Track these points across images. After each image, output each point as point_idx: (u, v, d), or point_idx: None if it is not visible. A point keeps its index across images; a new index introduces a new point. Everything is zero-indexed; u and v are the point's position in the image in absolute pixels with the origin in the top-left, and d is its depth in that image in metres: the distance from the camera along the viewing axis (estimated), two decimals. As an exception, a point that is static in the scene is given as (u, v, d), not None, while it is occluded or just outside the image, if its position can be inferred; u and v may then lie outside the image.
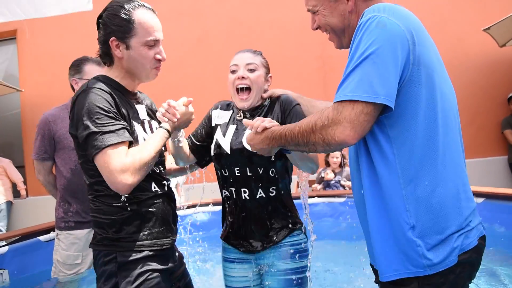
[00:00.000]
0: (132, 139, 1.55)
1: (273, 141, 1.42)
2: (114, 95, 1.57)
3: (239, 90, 1.86)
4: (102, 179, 1.51)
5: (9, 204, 6.80)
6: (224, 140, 1.86)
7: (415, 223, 1.23)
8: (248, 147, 1.67)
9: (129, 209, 1.60)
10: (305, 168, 1.74)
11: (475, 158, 6.44)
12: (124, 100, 1.65)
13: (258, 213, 1.81)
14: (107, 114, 1.50)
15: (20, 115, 7.64)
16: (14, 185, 6.91)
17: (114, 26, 1.60)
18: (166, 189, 1.75)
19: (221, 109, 2.03)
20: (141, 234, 1.61)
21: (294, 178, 6.47)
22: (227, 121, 1.93)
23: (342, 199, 4.56)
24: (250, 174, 1.80)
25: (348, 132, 1.15)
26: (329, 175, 5.85)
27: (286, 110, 1.87)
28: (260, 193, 1.80)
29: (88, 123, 1.47)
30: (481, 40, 6.34)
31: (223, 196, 1.94)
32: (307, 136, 1.25)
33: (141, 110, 1.75)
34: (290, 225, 1.84)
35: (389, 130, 1.24)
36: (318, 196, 4.76)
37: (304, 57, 6.92)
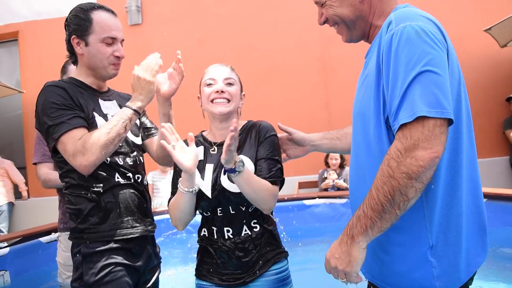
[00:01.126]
0: (86, 124, 1.64)
1: (355, 236, 1.16)
2: (68, 89, 1.67)
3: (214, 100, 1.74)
4: (67, 169, 1.66)
5: (10, 205, 6.80)
6: (203, 183, 1.71)
7: (435, 243, 1.17)
8: (230, 188, 1.63)
9: (91, 198, 1.67)
10: (262, 203, 1.63)
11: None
12: (85, 94, 1.75)
13: (243, 250, 1.70)
14: (59, 107, 1.61)
15: (21, 117, 7.66)
16: (15, 187, 6.91)
17: (74, 25, 1.75)
18: (132, 180, 1.79)
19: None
20: (105, 225, 1.67)
21: (296, 179, 6.44)
22: (203, 159, 1.78)
23: (343, 200, 4.55)
24: (234, 212, 1.70)
25: (431, 150, 1.04)
26: (332, 175, 5.85)
27: (260, 138, 1.75)
28: (245, 230, 1.71)
29: (44, 118, 1.62)
30: (482, 41, 6.34)
31: (201, 235, 1.81)
32: (389, 188, 1.07)
33: (107, 105, 1.83)
34: (276, 255, 1.76)
35: None
36: (319, 197, 4.76)
37: (305, 58, 6.92)
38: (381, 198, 1.08)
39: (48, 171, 2.80)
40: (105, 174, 1.69)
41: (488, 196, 3.68)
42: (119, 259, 1.66)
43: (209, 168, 1.73)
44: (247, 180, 1.55)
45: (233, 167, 1.50)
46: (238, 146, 1.64)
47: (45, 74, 7.39)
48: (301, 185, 6.53)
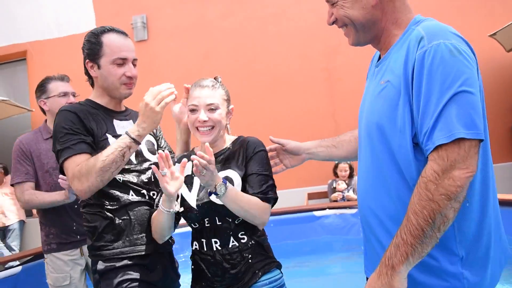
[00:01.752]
0: (89, 150, 1.70)
1: (396, 266, 1.12)
2: (79, 113, 1.74)
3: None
4: None
5: (21, 223, 6.84)
6: (190, 195, 1.74)
7: (465, 254, 1.17)
8: (216, 200, 1.62)
9: (105, 216, 1.72)
10: (253, 220, 1.66)
11: (486, 165, 6.37)
12: (100, 116, 1.82)
13: (231, 262, 1.71)
14: (67, 131, 1.69)
15: (31, 135, 7.72)
16: (26, 205, 6.95)
17: (87, 50, 1.86)
18: (146, 197, 1.83)
19: (178, 162, 1.83)
20: (119, 242, 1.71)
21: (305, 190, 6.42)
22: (191, 173, 1.78)
23: (353, 210, 4.52)
24: (220, 223, 1.71)
25: (466, 170, 1.05)
26: (340, 185, 5.82)
27: (249, 154, 1.74)
28: (233, 242, 1.72)
29: (55, 143, 1.72)
30: (487, 46, 6.32)
31: (193, 249, 1.82)
32: (429, 212, 1.06)
33: (122, 125, 1.87)
34: (266, 265, 1.75)
35: None
36: (329, 208, 4.73)
37: (310, 69, 6.94)
38: (421, 223, 1.06)
39: (33, 191, 2.67)
40: (118, 192, 1.74)
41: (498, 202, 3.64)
42: (134, 275, 1.69)
43: (197, 181, 1.75)
44: (233, 200, 1.58)
45: (214, 190, 1.54)
46: (227, 162, 1.73)
47: (54, 92, 7.49)
48: (311, 196, 6.49)
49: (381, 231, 1.30)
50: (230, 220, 1.70)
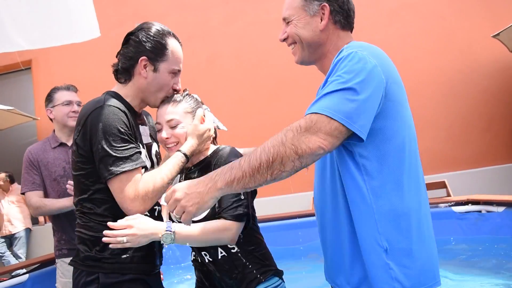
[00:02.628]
0: (146, 164, 1.58)
1: (218, 182, 1.20)
2: (128, 114, 1.58)
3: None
4: (95, 198, 1.56)
5: (28, 231, 6.87)
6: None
7: (388, 245, 1.25)
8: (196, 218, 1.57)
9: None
10: (218, 243, 1.63)
11: (493, 166, 6.35)
12: (134, 121, 1.66)
13: (224, 271, 1.70)
14: (122, 136, 1.51)
15: (36, 143, 7.77)
16: (32, 213, 6.99)
17: (151, 47, 1.63)
18: (156, 214, 1.73)
19: None
20: (125, 256, 1.59)
21: (310, 194, 6.41)
22: (179, 181, 1.80)
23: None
24: None
25: (323, 141, 1.16)
26: None
27: (220, 166, 1.66)
28: (221, 253, 1.68)
29: (104, 144, 1.48)
30: (491, 46, 6.30)
31: (192, 259, 1.84)
32: (274, 152, 1.15)
33: (145, 132, 1.77)
34: (261, 274, 1.70)
35: (360, 159, 1.28)
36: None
37: (313, 73, 6.88)
38: (263, 158, 1.15)
39: (41, 198, 2.74)
40: None
41: (507, 204, 3.61)
42: None
43: None
44: (186, 240, 1.54)
45: (162, 242, 1.51)
46: (203, 173, 1.57)
47: (59, 100, 7.53)
48: (316, 200, 6.45)
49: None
50: None
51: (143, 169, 1.59)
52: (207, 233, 1.56)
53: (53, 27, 5.61)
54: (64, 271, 2.73)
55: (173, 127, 1.70)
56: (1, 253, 6.62)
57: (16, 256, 6.66)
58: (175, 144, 1.71)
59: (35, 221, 7.02)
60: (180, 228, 1.52)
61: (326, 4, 1.45)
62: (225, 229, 1.57)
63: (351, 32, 1.55)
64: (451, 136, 6.52)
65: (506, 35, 5.64)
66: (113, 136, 1.49)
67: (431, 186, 6.10)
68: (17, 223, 6.73)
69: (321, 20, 1.46)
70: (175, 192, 1.24)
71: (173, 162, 1.58)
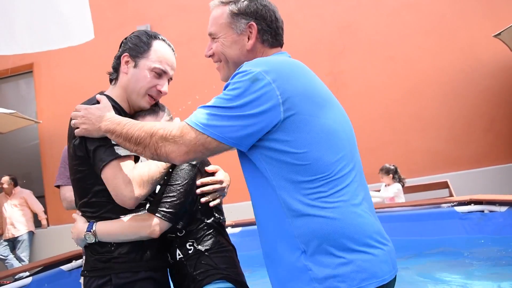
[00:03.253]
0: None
1: (104, 124, 1.43)
2: (118, 111, 1.59)
3: None
4: (95, 200, 1.55)
5: (30, 234, 6.88)
6: None
7: (305, 247, 1.23)
8: None
9: None
10: (137, 238, 1.59)
11: (495, 165, 6.33)
12: None
13: (179, 272, 1.71)
14: None
15: (38, 146, 7.79)
16: (35, 215, 6.99)
17: (132, 44, 1.69)
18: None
19: None
20: (134, 254, 1.58)
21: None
22: None
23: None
24: (168, 237, 1.70)
25: (179, 154, 1.25)
26: None
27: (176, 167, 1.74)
28: (179, 254, 1.70)
29: (96, 140, 1.50)
30: (492, 46, 6.29)
31: None
32: (143, 137, 1.30)
33: None
34: (209, 276, 1.67)
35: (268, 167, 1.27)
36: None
37: (315, 73, 6.93)
38: (135, 134, 1.32)
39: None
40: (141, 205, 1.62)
41: (509, 203, 3.61)
42: None
43: None
44: (108, 237, 1.55)
45: (86, 241, 1.56)
46: None
47: (60, 104, 7.56)
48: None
49: None
50: (174, 235, 1.69)
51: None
52: (130, 229, 1.55)
53: (50, 31, 5.61)
54: None
55: None
56: (4, 256, 6.63)
57: (19, 259, 6.67)
58: None
59: (38, 224, 7.03)
60: (101, 226, 1.54)
61: (254, 23, 1.43)
62: (148, 225, 1.56)
63: (281, 47, 1.55)
64: (453, 136, 6.51)
65: (507, 34, 5.63)
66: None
67: (433, 186, 6.09)
68: (20, 226, 6.74)
69: (249, 39, 1.44)
70: (81, 108, 1.50)
71: None
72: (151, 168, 1.52)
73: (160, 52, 1.69)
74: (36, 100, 7.84)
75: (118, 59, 1.72)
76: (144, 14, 7.51)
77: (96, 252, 1.58)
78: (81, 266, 3.65)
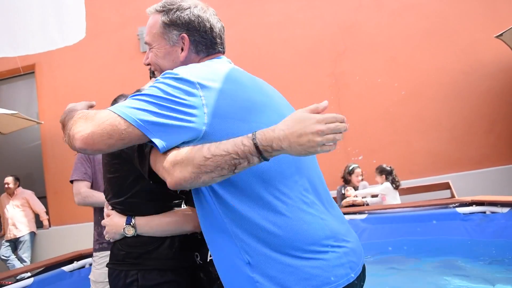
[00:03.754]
0: None
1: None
2: None
3: None
4: (131, 200, 1.56)
5: (32, 235, 6.89)
6: None
7: (250, 259, 1.20)
8: None
9: None
10: (184, 232, 1.63)
11: (496, 167, 6.32)
12: None
13: (208, 275, 1.66)
14: None
15: (40, 147, 7.80)
16: (36, 216, 7.00)
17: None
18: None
19: None
20: (165, 251, 1.57)
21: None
22: None
23: (363, 216, 4.50)
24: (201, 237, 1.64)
25: (85, 135, 1.15)
26: (349, 191, 5.78)
27: None
28: (210, 256, 1.62)
29: None
30: (494, 47, 6.29)
31: None
32: (64, 121, 1.32)
33: None
34: None
35: None
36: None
37: (316, 75, 6.95)
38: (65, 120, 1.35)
39: (90, 189, 2.93)
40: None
41: (509, 204, 3.60)
42: None
43: None
44: (151, 231, 1.55)
45: (125, 235, 1.56)
46: None
47: (62, 105, 7.54)
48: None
49: None
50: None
51: None
52: (173, 221, 1.56)
53: (50, 32, 5.64)
54: (100, 262, 2.88)
55: None
56: (6, 257, 6.64)
57: (21, 260, 6.68)
58: None
59: (39, 225, 7.03)
60: (141, 220, 1.54)
61: (185, 35, 1.40)
62: (192, 217, 1.57)
63: (223, 53, 1.51)
64: (455, 137, 6.50)
65: (509, 35, 5.62)
66: None
67: (435, 187, 6.09)
68: (22, 226, 6.75)
69: (182, 50, 1.41)
70: None
71: (235, 142, 1.18)
72: (193, 149, 1.34)
73: None
74: (38, 100, 7.86)
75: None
76: (145, 15, 7.48)
77: (127, 245, 1.58)
78: (83, 267, 3.68)
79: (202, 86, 1.19)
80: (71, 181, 2.98)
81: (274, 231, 1.18)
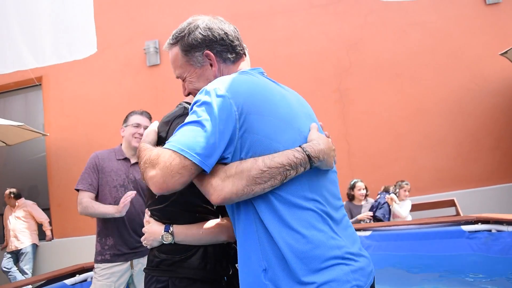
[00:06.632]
0: None
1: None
2: None
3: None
4: (169, 208, 1.61)
5: (34, 246, 6.87)
6: None
7: (267, 266, 1.25)
8: None
9: None
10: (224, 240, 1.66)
11: (502, 184, 6.28)
12: None
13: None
14: None
15: (45, 159, 7.82)
16: (39, 228, 6.99)
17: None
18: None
19: None
20: (198, 261, 1.60)
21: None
22: None
23: (367, 233, 4.47)
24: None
25: (157, 179, 1.18)
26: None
27: None
28: None
29: None
30: (499, 64, 6.30)
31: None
32: (141, 160, 1.30)
33: None
34: None
35: None
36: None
37: (321, 90, 6.97)
38: (141, 155, 1.35)
39: (91, 200, 2.97)
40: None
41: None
42: None
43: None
44: (188, 239, 1.59)
45: (163, 242, 1.60)
46: None
47: (68, 117, 7.62)
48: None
49: None
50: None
51: None
52: (209, 231, 1.59)
53: (59, 45, 5.73)
54: (102, 274, 2.95)
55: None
56: (7, 268, 6.62)
57: (22, 272, 6.65)
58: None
59: (42, 237, 7.02)
60: (179, 228, 1.59)
61: (207, 51, 1.45)
62: (227, 228, 1.60)
63: (246, 55, 1.57)
64: (460, 154, 6.48)
65: (514, 53, 5.64)
66: None
67: (440, 204, 6.05)
68: (24, 238, 6.74)
69: (211, 66, 1.46)
70: None
71: (288, 155, 1.28)
72: (249, 164, 1.34)
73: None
74: (44, 112, 7.91)
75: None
76: (152, 29, 7.59)
77: (162, 252, 1.63)
78: (85, 280, 3.66)
79: (237, 101, 1.24)
80: (77, 189, 3.04)
81: (295, 245, 1.23)
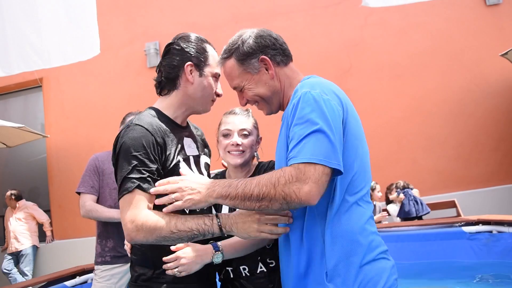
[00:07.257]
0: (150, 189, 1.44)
1: (214, 192, 1.33)
2: (156, 134, 1.51)
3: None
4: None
5: (34, 248, 6.86)
6: None
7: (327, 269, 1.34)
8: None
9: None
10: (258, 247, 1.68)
11: (503, 185, 6.28)
12: (172, 135, 1.60)
13: (259, 286, 1.71)
14: (141, 158, 1.46)
15: (45, 160, 7.82)
16: (39, 230, 6.99)
17: (193, 52, 1.65)
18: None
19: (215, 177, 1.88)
20: (174, 276, 1.53)
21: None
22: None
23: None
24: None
25: (314, 192, 1.21)
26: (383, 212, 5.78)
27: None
28: (261, 267, 1.71)
29: (124, 162, 1.46)
30: (499, 65, 6.30)
31: (220, 277, 1.80)
32: (266, 190, 1.24)
33: (191, 144, 1.71)
34: None
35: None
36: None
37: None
38: (255, 192, 1.26)
39: (94, 203, 2.97)
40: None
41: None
42: None
43: (225, 208, 1.77)
44: (234, 253, 1.59)
45: (213, 263, 1.54)
46: None
47: (68, 119, 7.62)
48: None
49: None
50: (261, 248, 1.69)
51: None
52: (250, 241, 1.59)
53: (63, 47, 5.74)
54: (103, 276, 2.95)
55: (244, 136, 1.81)
56: (8, 270, 6.61)
57: (23, 274, 6.64)
58: (241, 152, 1.80)
59: (42, 238, 7.02)
60: (225, 242, 1.57)
61: (263, 56, 1.52)
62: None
63: (292, 60, 1.61)
64: (461, 155, 6.47)
65: (514, 54, 5.63)
66: (133, 158, 1.45)
67: (440, 206, 6.04)
68: (24, 240, 6.73)
69: (267, 70, 1.52)
70: (185, 179, 1.38)
71: (198, 221, 1.40)
72: (159, 219, 1.38)
73: (215, 57, 1.71)
74: (45, 114, 7.91)
75: (176, 68, 1.65)
76: (153, 31, 7.59)
77: (141, 268, 1.58)
78: (85, 282, 3.67)
79: (337, 102, 1.36)
80: (78, 192, 3.03)
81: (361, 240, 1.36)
